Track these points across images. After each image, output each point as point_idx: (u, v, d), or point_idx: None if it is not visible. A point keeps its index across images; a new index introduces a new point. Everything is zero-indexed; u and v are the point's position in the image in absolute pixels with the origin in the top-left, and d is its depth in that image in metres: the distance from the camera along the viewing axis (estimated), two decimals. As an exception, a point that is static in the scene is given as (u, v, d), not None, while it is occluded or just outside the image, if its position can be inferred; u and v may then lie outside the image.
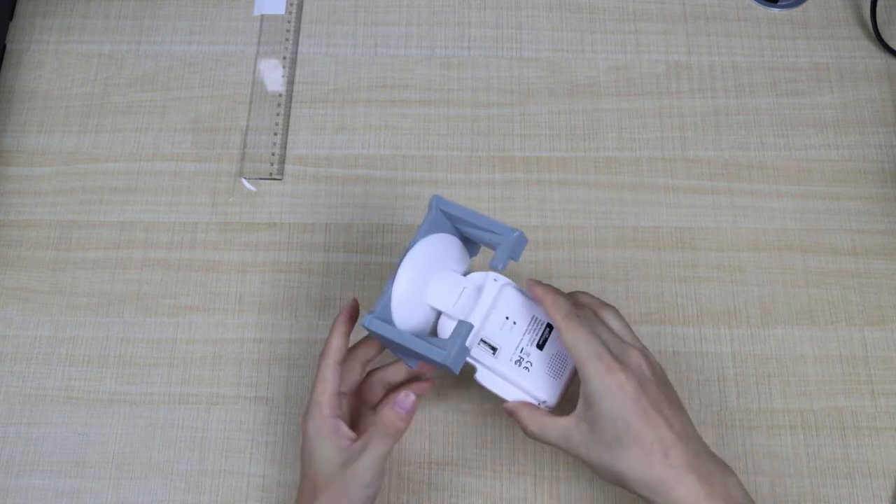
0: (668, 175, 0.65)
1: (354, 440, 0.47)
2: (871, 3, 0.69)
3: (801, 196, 0.64)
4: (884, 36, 0.68)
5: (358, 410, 0.51)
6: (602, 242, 0.62)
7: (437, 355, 0.44)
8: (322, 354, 0.49)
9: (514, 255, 0.47)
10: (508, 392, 0.47)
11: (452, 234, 0.49)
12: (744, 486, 0.43)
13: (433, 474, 0.56)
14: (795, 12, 0.71)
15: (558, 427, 0.45)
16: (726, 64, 0.68)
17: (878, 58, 0.69)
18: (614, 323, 0.47)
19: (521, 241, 0.47)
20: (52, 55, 0.68)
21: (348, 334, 0.49)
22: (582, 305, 0.48)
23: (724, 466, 0.44)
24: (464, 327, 0.45)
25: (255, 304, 0.60)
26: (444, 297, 0.47)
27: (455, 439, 0.57)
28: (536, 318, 0.48)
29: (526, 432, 0.46)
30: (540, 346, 0.47)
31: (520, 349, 0.47)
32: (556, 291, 0.46)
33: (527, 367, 0.46)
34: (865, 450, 0.57)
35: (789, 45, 0.69)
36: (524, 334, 0.47)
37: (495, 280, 0.48)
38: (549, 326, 0.48)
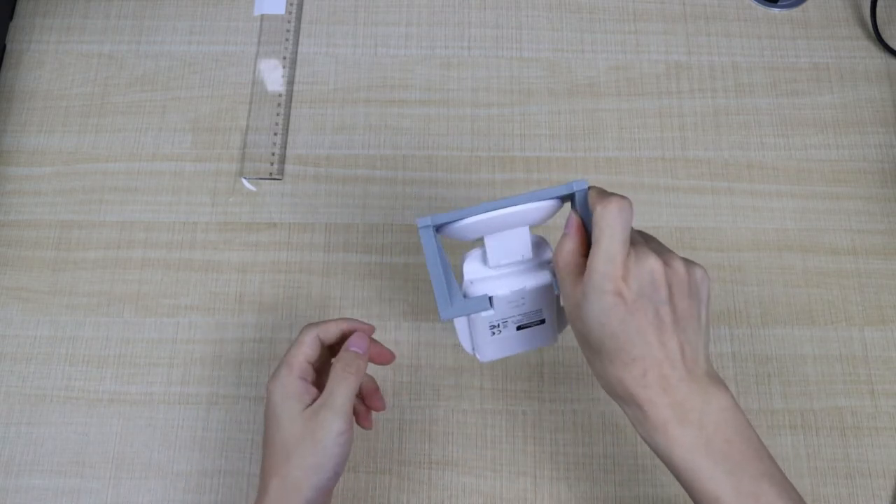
0: (668, 175, 0.65)
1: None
2: (871, 3, 0.69)
3: (801, 196, 0.64)
4: (884, 36, 0.68)
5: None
6: (602, 242, 0.62)
7: (441, 304, 0.44)
8: (308, 325, 0.48)
9: None
10: (462, 335, 0.47)
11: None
12: (734, 403, 0.39)
13: (433, 474, 0.56)
14: (795, 12, 0.70)
15: (574, 287, 0.41)
16: (726, 64, 0.68)
17: (878, 58, 0.69)
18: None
19: None
20: (52, 55, 0.68)
21: (344, 333, 0.49)
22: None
23: (710, 389, 0.39)
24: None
25: (255, 304, 0.60)
26: (499, 252, 0.45)
27: (455, 439, 0.57)
28: (541, 311, 0.47)
29: (558, 256, 0.43)
30: (519, 328, 0.47)
31: (505, 322, 0.46)
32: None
33: (493, 333, 0.47)
34: (865, 450, 0.57)
35: (789, 45, 0.69)
36: (519, 313, 0.47)
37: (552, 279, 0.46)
38: (542, 321, 0.47)
